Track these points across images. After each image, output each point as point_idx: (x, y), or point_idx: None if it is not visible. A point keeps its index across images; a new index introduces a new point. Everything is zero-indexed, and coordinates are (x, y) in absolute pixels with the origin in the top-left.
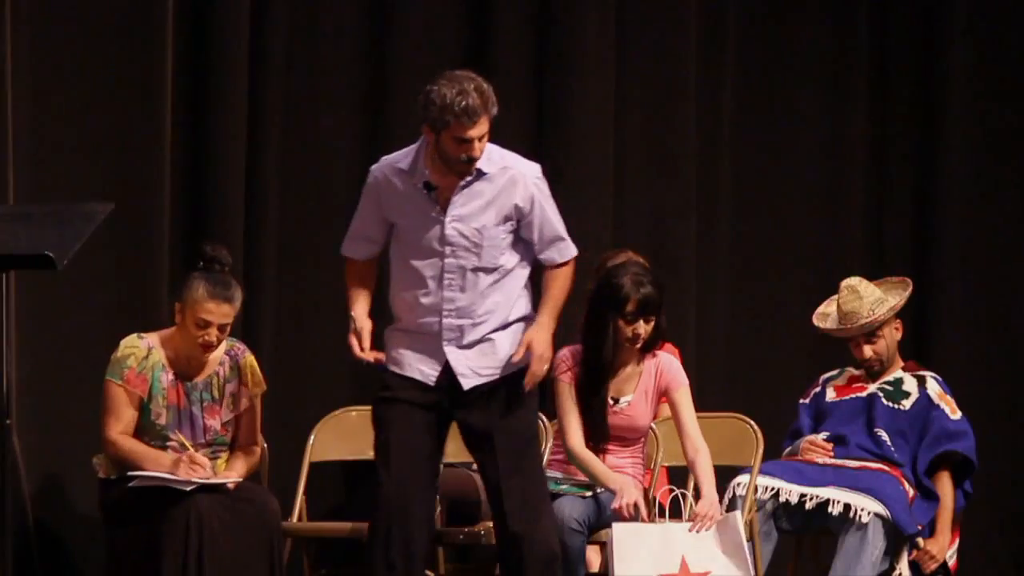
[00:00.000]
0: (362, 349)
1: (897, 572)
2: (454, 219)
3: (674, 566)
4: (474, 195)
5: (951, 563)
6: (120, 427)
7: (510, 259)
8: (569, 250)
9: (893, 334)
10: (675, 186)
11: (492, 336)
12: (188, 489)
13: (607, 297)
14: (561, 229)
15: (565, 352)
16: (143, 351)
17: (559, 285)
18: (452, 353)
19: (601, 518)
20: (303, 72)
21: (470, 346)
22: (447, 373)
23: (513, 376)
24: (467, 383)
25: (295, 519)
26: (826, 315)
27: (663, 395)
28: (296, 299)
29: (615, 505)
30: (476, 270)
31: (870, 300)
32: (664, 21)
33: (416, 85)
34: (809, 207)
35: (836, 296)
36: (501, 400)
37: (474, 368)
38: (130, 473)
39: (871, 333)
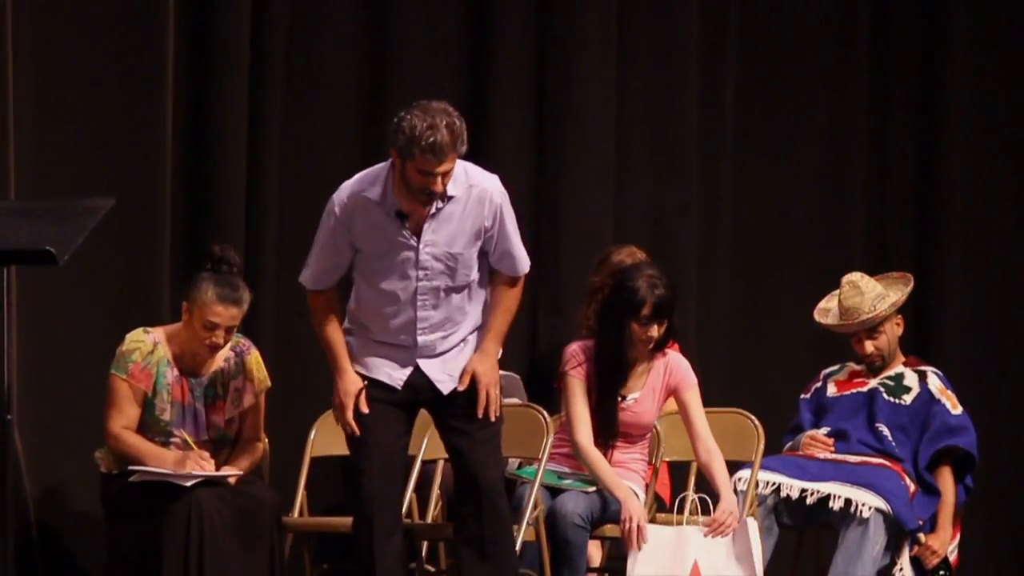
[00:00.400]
0: (354, 417)
1: (898, 567)
2: (428, 245)
3: (685, 569)
4: (445, 219)
5: (952, 558)
6: (123, 421)
7: (476, 271)
8: (523, 265)
9: (894, 329)
10: (676, 182)
11: (464, 339)
12: (189, 484)
13: (623, 300)
14: (518, 244)
15: (575, 347)
16: (148, 346)
17: (507, 308)
18: (426, 364)
19: (604, 514)
20: (303, 68)
21: (443, 353)
22: (416, 374)
23: None
24: (445, 388)
25: (296, 514)
26: (827, 311)
27: (671, 393)
28: (297, 294)
29: (623, 519)
30: (448, 289)
31: (871, 296)
32: (665, 16)
33: (417, 80)
34: (810, 202)
35: (837, 292)
36: (474, 393)
37: (449, 372)
38: (131, 468)
39: (872, 329)
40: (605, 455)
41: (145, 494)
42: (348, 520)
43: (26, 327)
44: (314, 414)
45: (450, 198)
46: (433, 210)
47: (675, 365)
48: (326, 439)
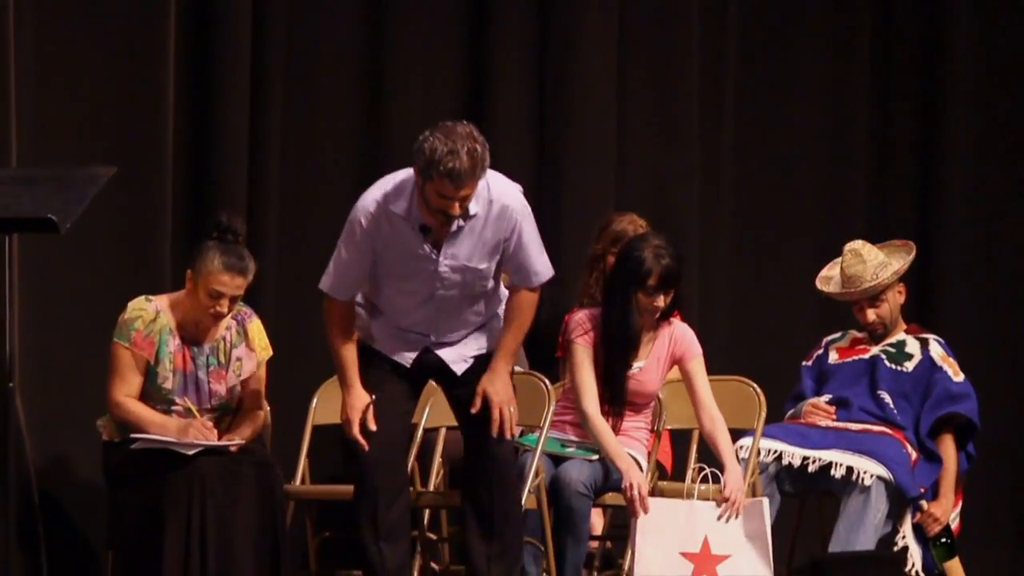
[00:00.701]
0: (361, 431)
1: (901, 535)
2: (447, 258)
3: (696, 545)
4: (465, 234)
5: (954, 526)
6: (126, 390)
7: (493, 280)
8: (539, 277)
9: (896, 298)
10: (678, 152)
11: (481, 326)
12: (191, 453)
13: (629, 271)
14: (536, 256)
15: (581, 315)
16: (151, 314)
17: (519, 325)
18: (440, 350)
19: (606, 483)
20: (305, 36)
21: (458, 342)
22: (427, 353)
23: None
24: (459, 368)
25: (298, 482)
26: (829, 279)
27: (675, 363)
28: (298, 263)
29: (624, 487)
30: (464, 298)
31: (873, 264)
32: None
33: (416, 46)
34: (812, 171)
35: (839, 259)
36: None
37: (463, 355)
38: (133, 435)
39: (874, 297)
40: (614, 425)
41: (147, 462)
42: (350, 488)
43: (28, 296)
44: (316, 383)
45: (471, 216)
46: (454, 228)
47: (680, 335)
48: (328, 407)
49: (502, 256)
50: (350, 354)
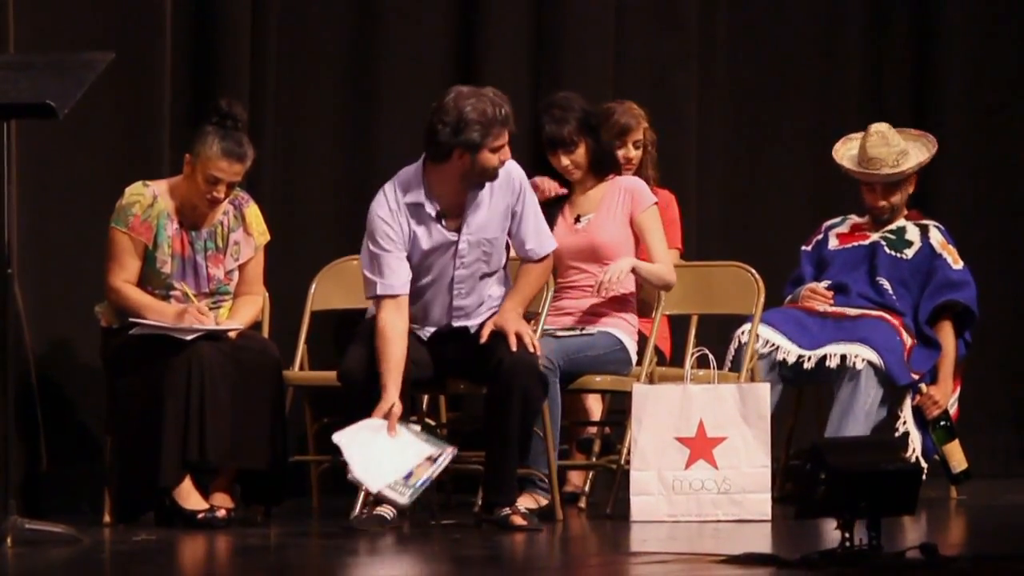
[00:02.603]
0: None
1: (901, 420)
2: (467, 234)
3: (691, 429)
4: (479, 206)
5: (953, 411)
6: (124, 275)
7: (504, 256)
8: (548, 244)
9: (908, 188)
10: (676, 36)
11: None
12: (189, 338)
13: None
14: (541, 222)
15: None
16: (148, 199)
17: (532, 281)
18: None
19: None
20: None
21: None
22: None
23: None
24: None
25: (296, 368)
26: (846, 153)
27: (631, 216)
28: (297, 148)
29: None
30: (483, 276)
31: (896, 150)
32: None
33: None
34: (809, 55)
35: (858, 135)
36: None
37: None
38: (131, 320)
39: (893, 184)
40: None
41: (145, 348)
42: None
43: (26, 181)
44: (315, 268)
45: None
46: (469, 195)
47: (629, 188)
48: (326, 293)
49: (512, 225)
50: (396, 356)
